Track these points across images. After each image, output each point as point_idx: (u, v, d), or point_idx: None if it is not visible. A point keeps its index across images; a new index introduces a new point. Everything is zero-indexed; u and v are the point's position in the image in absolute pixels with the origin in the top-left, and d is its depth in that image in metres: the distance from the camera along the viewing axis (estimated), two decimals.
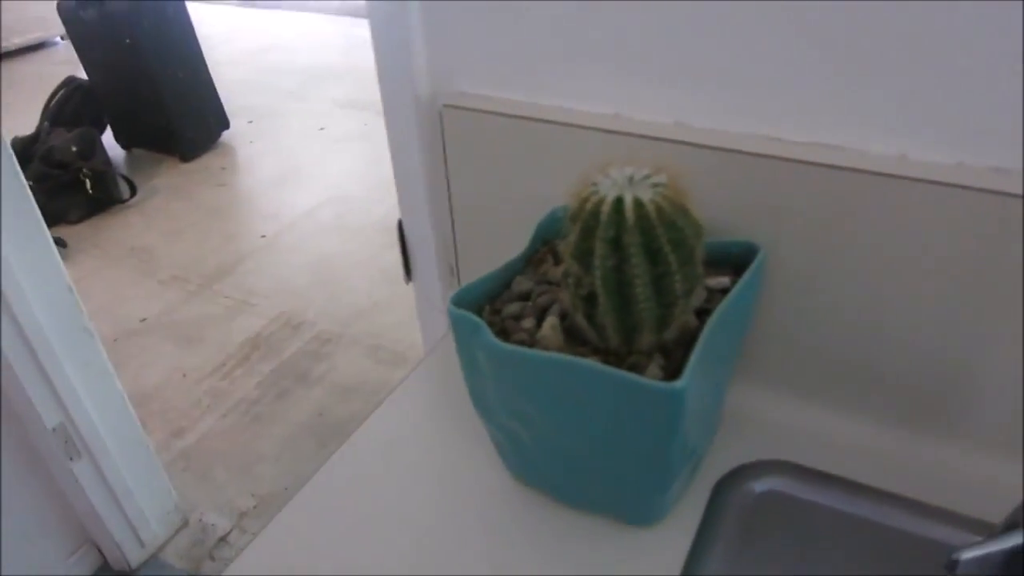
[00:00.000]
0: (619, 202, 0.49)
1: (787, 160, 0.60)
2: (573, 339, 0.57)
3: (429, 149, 0.77)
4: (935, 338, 0.62)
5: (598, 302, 0.51)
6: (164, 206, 3.23)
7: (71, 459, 1.65)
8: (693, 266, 0.51)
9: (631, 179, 0.50)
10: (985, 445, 0.64)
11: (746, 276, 0.58)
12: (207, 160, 3.58)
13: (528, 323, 0.58)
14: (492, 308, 0.61)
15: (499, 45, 0.70)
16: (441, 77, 0.74)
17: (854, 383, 0.67)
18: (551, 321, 0.56)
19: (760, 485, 0.64)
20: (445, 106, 0.73)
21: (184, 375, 2.34)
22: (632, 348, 0.54)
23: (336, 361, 2.37)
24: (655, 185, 0.50)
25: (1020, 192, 0.54)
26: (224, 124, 3.68)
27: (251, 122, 3.94)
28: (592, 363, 0.50)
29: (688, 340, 0.54)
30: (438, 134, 0.75)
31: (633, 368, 0.53)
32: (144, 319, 2.57)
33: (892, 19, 0.55)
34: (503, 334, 0.57)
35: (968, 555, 0.48)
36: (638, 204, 0.48)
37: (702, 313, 0.57)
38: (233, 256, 2.91)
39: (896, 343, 0.64)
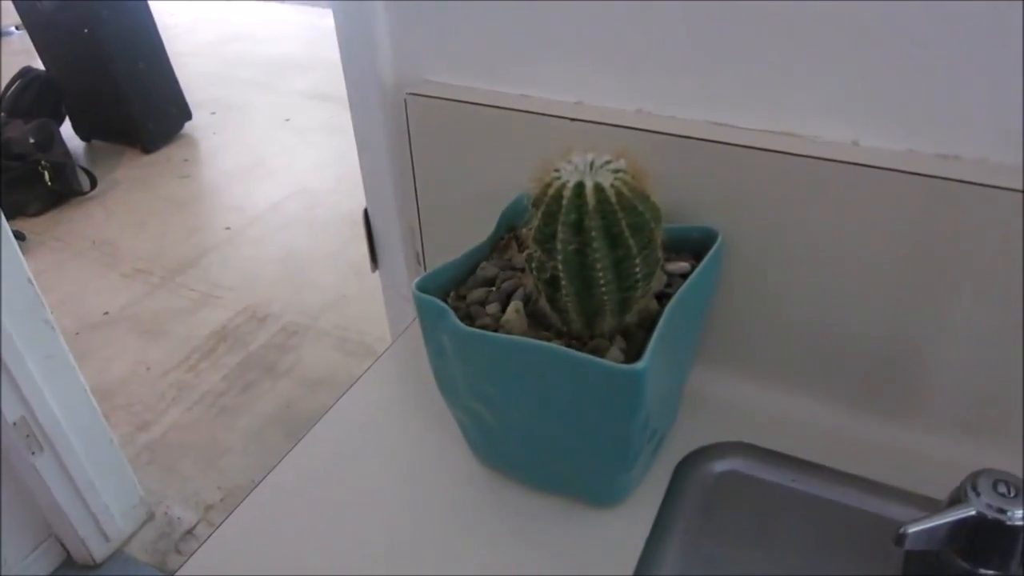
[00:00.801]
0: (580, 187, 0.50)
1: (743, 147, 0.62)
2: (537, 323, 0.58)
3: (394, 137, 0.77)
4: (887, 322, 0.64)
5: (560, 286, 0.52)
6: (126, 198, 3.18)
7: (33, 453, 1.63)
8: (653, 250, 0.52)
9: (592, 165, 0.51)
10: (935, 425, 0.66)
11: (705, 261, 0.60)
12: (169, 152, 3.53)
13: (493, 308, 0.59)
14: (457, 294, 0.61)
15: (463, 33, 0.70)
16: (405, 66, 0.75)
17: (810, 366, 0.69)
18: (515, 305, 0.57)
19: (720, 465, 0.66)
20: (409, 94, 0.73)
21: (148, 368, 2.31)
22: (594, 332, 0.56)
23: (303, 353, 2.36)
24: (615, 171, 0.51)
25: (965, 178, 0.56)
26: (187, 115, 3.63)
27: (214, 113, 3.89)
28: (554, 346, 0.51)
29: (649, 323, 0.56)
30: (403, 122, 0.75)
31: (595, 351, 0.54)
32: (107, 312, 2.53)
33: (843, 7, 0.56)
34: (468, 319, 0.58)
35: (914, 529, 0.50)
36: (599, 189, 0.49)
37: (662, 297, 0.59)
38: (197, 249, 2.88)
39: (850, 326, 0.66)
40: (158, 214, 3.08)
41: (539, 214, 0.51)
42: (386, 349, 0.82)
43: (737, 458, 0.66)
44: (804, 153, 0.61)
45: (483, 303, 0.59)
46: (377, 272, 0.92)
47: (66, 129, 3.41)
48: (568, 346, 0.54)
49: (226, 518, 0.65)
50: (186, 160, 3.50)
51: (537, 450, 0.60)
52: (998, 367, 0.62)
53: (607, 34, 0.65)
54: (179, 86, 3.54)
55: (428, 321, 0.58)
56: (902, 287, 0.62)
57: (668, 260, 0.63)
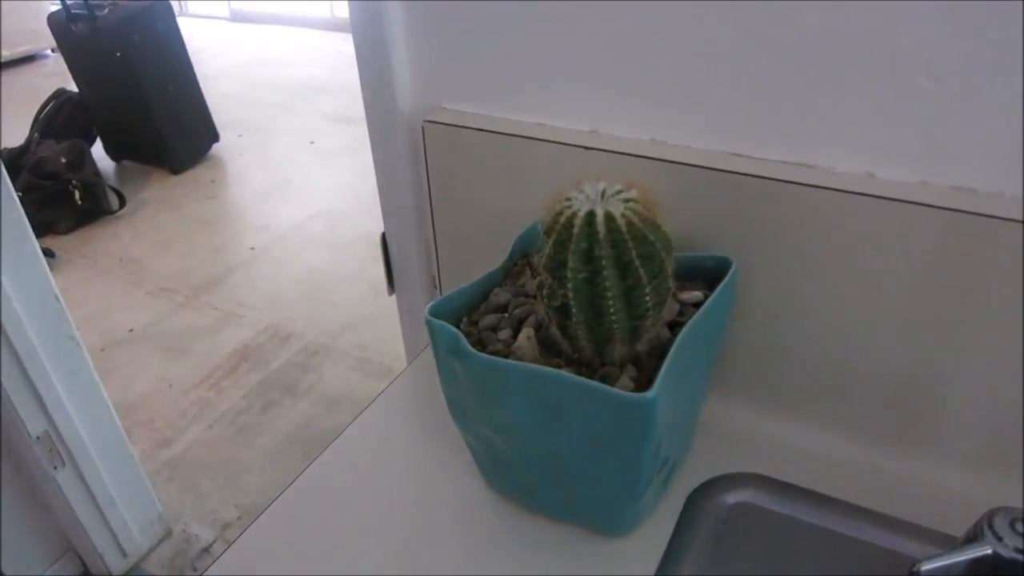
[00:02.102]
0: (591, 216, 0.50)
1: (758, 177, 0.62)
2: (548, 350, 0.58)
3: (411, 163, 0.78)
4: (903, 354, 0.64)
5: (571, 313, 0.52)
6: (153, 217, 3.24)
7: (55, 468, 1.65)
8: (663, 279, 0.52)
9: (603, 194, 0.52)
10: (953, 460, 0.65)
11: (718, 290, 0.60)
12: (197, 173, 3.59)
13: (504, 334, 0.59)
14: (470, 319, 0.62)
15: (480, 62, 0.71)
16: (423, 93, 0.76)
17: (826, 397, 0.69)
18: (526, 332, 0.57)
19: (732, 497, 0.65)
20: (426, 121, 0.74)
21: (171, 385, 2.34)
22: (604, 359, 0.56)
23: (323, 373, 2.38)
24: (627, 200, 0.51)
25: (978, 210, 0.56)
26: (214, 137, 3.69)
27: (241, 135, 3.95)
28: (564, 373, 0.51)
29: (660, 352, 0.55)
30: (420, 149, 0.76)
31: (605, 379, 0.54)
32: (132, 329, 2.56)
33: (859, 40, 0.56)
34: (479, 345, 0.58)
35: (929, 566, 0.49)
36: (609, 218, 0.50)
37: (675, 326, 0.59)
38: (222, 268, 2.92)
39: (865, 358, 0.65)
40: (184, 233, 3.13)
41: (550, 242, 0.52)
42: (401, 372, 0.83)
43: (750, 490, 0.65)
44: (819, 184, 0.61)
45: (495, 329, 0.60)
46: (394, 295, 0.93)
47: (97, 150, 3.49)
48: (579, 373, 0.54)
49: (239, 535, 0.65)
50: (213, 181, 3.56)
51: (547, 477, 0.60)
52: (1015, 402, 0.61)
53: (622, 64, 0.65)
54: (207, 108, 3.60)
55: (440, 346, 0.58)
56: (917, 320, 0.62)
57: (681, 289, 0.63)
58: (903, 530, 0.61)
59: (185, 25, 3.58)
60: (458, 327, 0.61)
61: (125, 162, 3.60)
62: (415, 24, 0.72)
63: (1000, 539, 0.50)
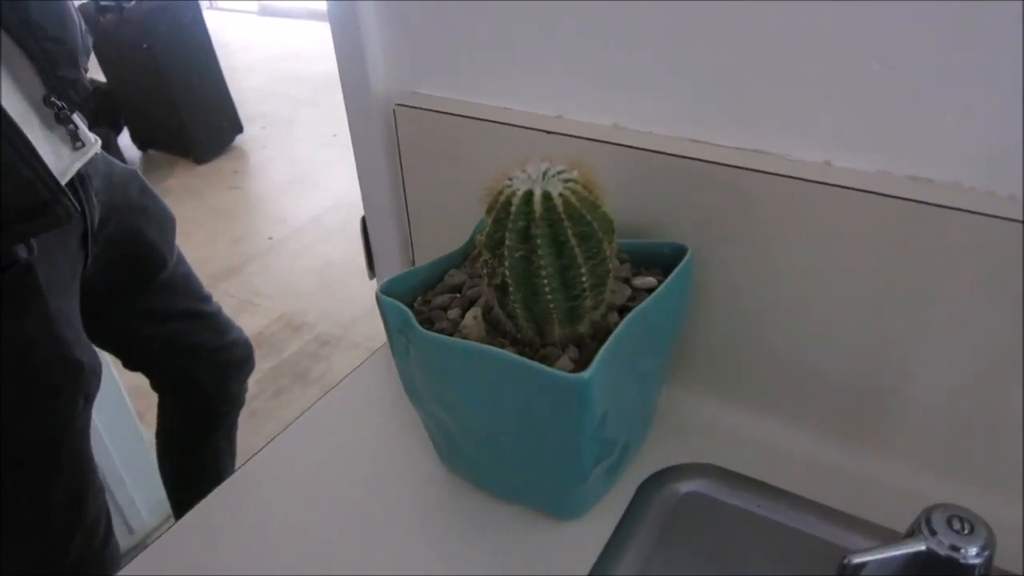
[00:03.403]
0: (529, 195, 0.50)
1: (716, 164, 0.62)
2: (496, 331, 0.58)
3: (385, 148, 0.79)
4: (860, 347, 0.63)
5: (508, 291, 0.53)
6: (176, 206, 3.25)
7: None
8: (601, 261, 0.52)
9: (545, 174, 0.52)
10: (907, 456, 0.64)
11: (671, 276, 0.59)
12: (220, 163, 3.65)
13: (454, 313, 0.59)
14: (424, 299, 0.62)
15: (450, 48, 0.72)
16: (396, 78, 0.76)
17: (782, 389, 0.68)
18: (473, 311, 0.58)
19: (685, 486, 0.65)
20: (397, 105, 0.75)
21: None
22: (545, 340, 0.56)
23: (334, 362, 2.40)
24: (566, 180, 0.51)
25: (935, 201, 0.55)
26: (238, 128, 3.74)
27: (264, 128, 4.00)
28: (502, 352, 0.52)
29: (605, 335, 0.55)
30: (393, 133, 0.77)
31: (544, 359, 0.54)
32: None
33: (816, 28, 0.56)
34: (428, 323, 0.59)
35: (858, 559, 0.48)
36: (546, 197, 0.50)
37: (626, 311, 0.59)
38: (240, 257, 2.96)
39: (823, 350, 0.65)
40: (205, 222, 3.18)
41: (490, 220, 0.52)
42: (373, 352, 0.84)
43: (703, 480, 0.65)
44: (775, 171, 0.60)
45: (446, 308, 0.60)
46: (374, 280, 0.94)
47: (124, 139, 3.56)
48: (521, 354, 0.54)
49: (189, 511, 0.66)
50: (235, 171, 3.61)
51: (492, 456, 0.61)
52: (970, 399, 0.60)
53: (586, 50, 0.65)
54: (232, 100, 3.66)
55: (390, 323, 0.59)
56: (874, 312, 0.61)
57: (637, 275, 0.63)
58: (850, 525, 0.60)
59: (214, 18, 3.64)
60: (412, 306, 0.62)
61: (151, 151, 3.67)
62: (387, 10, 0.73)
63: (936, 535, 0.49)
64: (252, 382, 2.35)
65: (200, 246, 3.02)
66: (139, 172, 1.18)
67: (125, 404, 1.73)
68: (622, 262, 0.64)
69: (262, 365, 2.42)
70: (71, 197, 0.85)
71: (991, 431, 0.60)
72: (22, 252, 0.86)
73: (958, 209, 0.55)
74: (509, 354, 0.51)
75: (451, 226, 0.78)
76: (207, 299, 1.32)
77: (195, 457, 1.48)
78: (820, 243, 0.61)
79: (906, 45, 0.54)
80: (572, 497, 0.61)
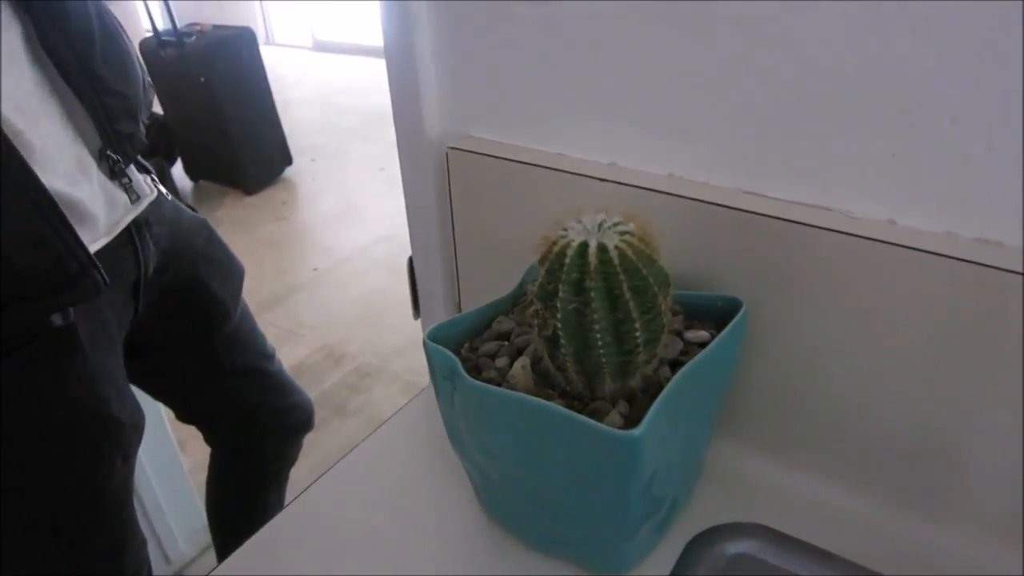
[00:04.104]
0: (584, 246, 0.50)
1: (774, 218, 0.60)
2: (544, 382, 0.57)
3: (436, 189, 0.79)
4: (923, 411, 0.60)
5: (560, 344, 0.52)
6: (226, 237, 3.32)
7: None
8: (656, 316, 0.51)
9: (600, 225, 0.51)
10: (969, 527, 0.61)
11: (725, 331, 0.58)
12: (269, 194, 3.72)
13: (502, 362, 0.59)
14: (471, 345, 0.62)
15: (505, 92, 0.72)
16: (450, 120, 0.77)
17: (837, 450, 0.66)
18: (522, 361, 0.57)
19: (733, 547, 0.63)
20: (450, 148, 0.75)
21: None
22: (595, 393, 0.55)
23: (374, 395, 2.41)
24: (623, 233, 0.50)
25: (1004, 265, 0.53)
26: (288, 160, 3.82)
27: (314, 160, 4.08)
28: (551, 405, 0.51)
29: (657, 390, 0.54)
30: (445, 175, 0.77)
31: (594, 413, 0.53)
32: None
33: (886, 82, 0.55)
34: (476, 371, 0.58)
35: None
36: (602, 249, 0.49)
37: (678, 365, 0.57)
38: (286, 287, 3.00)
39: (882, 413, 0.62)
40: (253, 253, 3.23)
41: (543, 271, 0.52)
42: (418, 393, 0.83)
43: (753, 541, 0.63)
44: (837, 228, 0.58)
45: (493, 356, 0.60)
46: (419, 320, 0.93)
47: (177, 169, 3.65)
48: (569, 407, 0.53)
49: (233, 552, 0.66)
50: (284, 203, 3.68)
51: (536, 509, 0.59)
52: None
53: (642, 99, 0.65)
54: (283, 133, 3.74)
55: (436, 370, 0.58)
56: (936, 376, 0.58)
57: (689, 328, 0.62)
58: None
59: (269, 54, 3.74)
60: (459, 352, 0.61)
61: (202, 182, 3.76)
62: (443, 53, 0.73)
63: None
64: None
65: (247, 276, 3.06)
66: (209, 222, 1.16)
67: (167, 433, 1.75)
68: (675, 314, 0.63)
69: None
70: (101, 270, 0.81)
71: None
72: (57, 319, 0.83)
73: None
74: (558, 407, 0.50)
75: (499, 271, 0.78)
76: (271, 357, 1.28)
77: (244, 509, 1.46)
78: (881, 303, 0.59)
79: (980, 105, 0.52)
80: (618, 553, 0.59)
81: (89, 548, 0.99)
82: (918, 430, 0.61)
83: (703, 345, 0.59)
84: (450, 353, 0.56)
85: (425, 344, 0.58)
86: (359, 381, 2.48)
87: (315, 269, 3.10)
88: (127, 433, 0.95)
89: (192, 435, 2.32)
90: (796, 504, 0.66)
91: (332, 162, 4.10)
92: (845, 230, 0.58)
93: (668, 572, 0.61)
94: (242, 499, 1.45)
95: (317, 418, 2.32)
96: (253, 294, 2.88)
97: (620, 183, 0.66)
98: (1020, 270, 0.53)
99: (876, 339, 0.60)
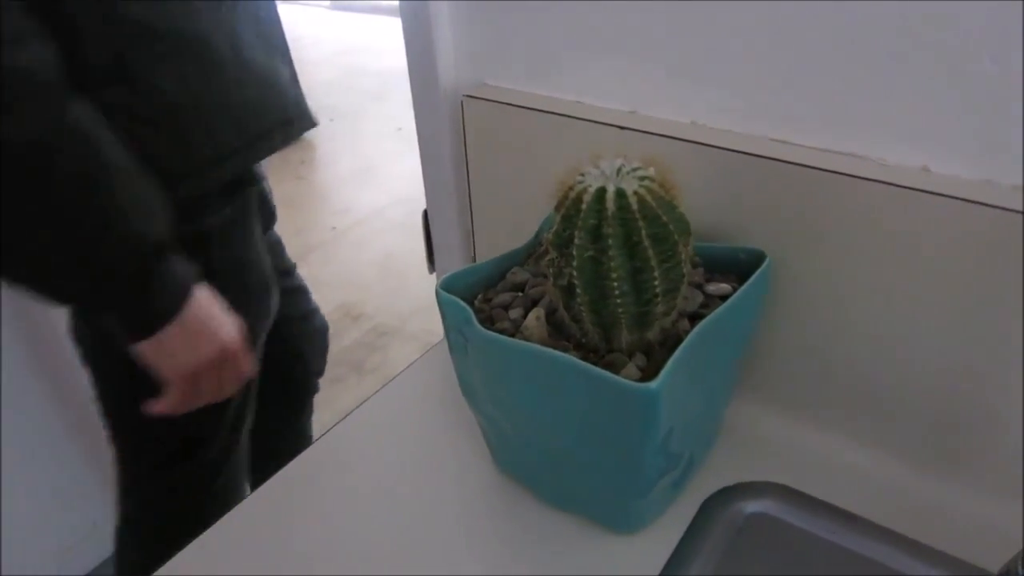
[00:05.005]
0: (602, 192, 0.47)
1: (801, 166, 0.58)
2: (559, 333, 0.56)
3: (452, 139, 0.77)
4: (952, 369, 0.58)
5: (575, 293, 0.50)
6: None
7: None
8: (676, 265, 0.49)
9: (619, 171, 0.49)
10: (993, 488, 0.59)
11: (747, 284, 0.56)
12: (287, 154, 3.70)
13: (515, 313, 0.57)
14: (485, 296, 0.60)
15: (521, 39, 0.70)
16: (466, 69, 0.74)
17: (863, 408, 0.64)
18: (536, 312, 0.55)
19: (751, 506, 0.61)
20: (466, 96, 0.73)
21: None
22: (612, 346, 0.53)
23: (390, 354, 2.41)
24: (642, 178, 0.48)
25: None
26: None
27: (332, 120, 4.05)
28: (566, 356, 0.49)
29: (675, 343, 0.52)
30: (460, 125, 0.75)
31: (609, 366, 0.51)
32: None
33: (920, 20, 0.52)
34: (489, 322, 0.57)
35: None
36: (620, 194, 0.47)
37: (698, 318, 0.55)
38: (303, 246, 3.00)
39: (909, 370, 0.60)
40: None
41: (558, 218, 0.50)
42: (432, 347, 0.82)
43: (771, 500, 0.61)
44: (868, 176, 0.56)
45: (507, 307, 0.58)
46: (435, 275, 0.92)
47: None
48: (584, 359, 0.52)
49: (247, 497, 0.66)
50: (302, 162, 3.66)
51: (549, 464, 0.58)
52: None
53: (663, 43, 0.62)
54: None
55: (449, 321, 0.57)
56: (971, 333, 0.56)
57: (710, 280, 0.60)
58: (930, 558, 0.56)
59: (286, 12, 3.69)
60: (473, 303, 0.60)
61: None
62: (459, 2, 0.71)
63: None
64: None
65: None
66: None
67: None
68: (695, 266, 0.61)
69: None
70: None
71: None
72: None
73: None
74: (573, 359, 0.49)
75: (515, 222, 0.76)
76: (293, 270, 1.31)
77: (282, 441, 1.49)
78: (913, 255, 0.56)
79: (1016, 36, 0.49)
80: (632, 511, 0.58)
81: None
82: (946, 387, 0.59)
83: (724, 299, 0.56)
84: (463, 303, 0.55)
85: (438, 294, 0.56)
86: (376, 340, 2.48)
87: (333, 228, 3.09)
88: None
89: None
90: (817, 464, 0.64)
91: (350, 122, 4.07)
92: (878, 178, 0.56)
93: (682, 528, 0.60)
94: (278, 427, 1.47)
95: (333, 375, 2.33)
96: None
97: (641, 131, 0.64)
98: None
99: (907, 292, 0.58)
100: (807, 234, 0.60)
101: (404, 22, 0.74)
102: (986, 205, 0.52)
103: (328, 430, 0.73)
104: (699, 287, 0.58)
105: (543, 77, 0.70)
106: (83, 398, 1.49)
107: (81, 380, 1.10)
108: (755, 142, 0.61)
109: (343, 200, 3.33)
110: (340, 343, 2.48)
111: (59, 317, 1.17)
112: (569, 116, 0.67)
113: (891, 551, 0.57)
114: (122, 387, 0.89)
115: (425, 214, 0.87)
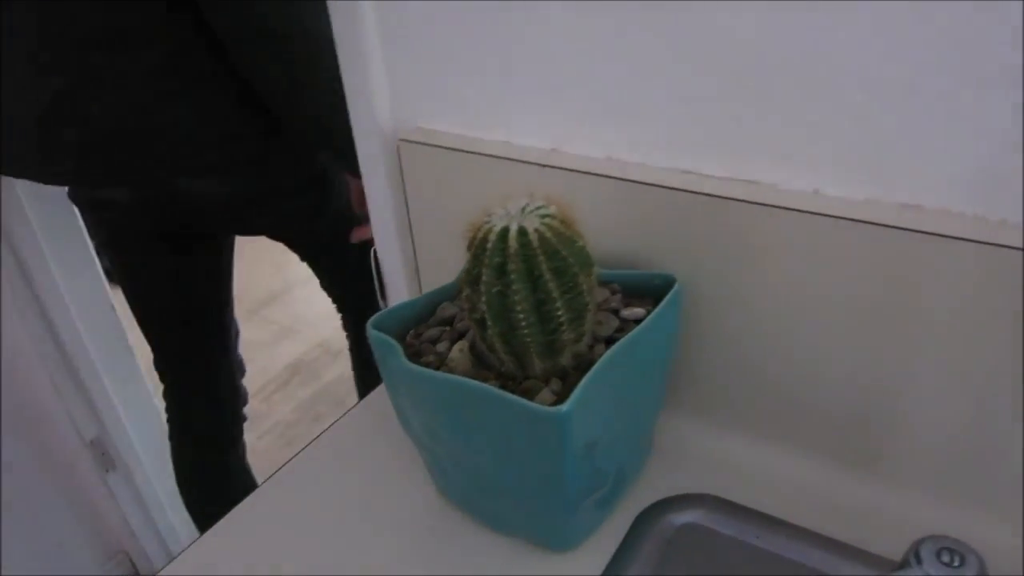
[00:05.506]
0: (505, 231, 0.51)
1: (706, 195, 0.62)
2: (482, 363, 0.59)
3: (392, 181, 0.81)
4: (855, 375, 0.62)
5: (487, 326, 0.53)
6: None
7: (106, 471, 1.74)
8: (578, 294, 0.53)
9: (524, 210, 0.53)
10: (903, 484, 0.63)
11: (658, 308, 0.59)
12: None
13: (442, 346, 0.60)
14: (416, 331, 0.63)
15: (450, 82, 0.74)
16: (401, 112, 0.78)
17: (778, 417, 0.67)
18: (460, 344, 0.59)
19: (681, 517, 0.64)
20: (401, 140, 0.76)
21: None
22: (527, 373, 0.56)
23: None
24: (543, 216, 0.52)
25: (925, 228, 0.54)
26: None
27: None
28: (479, 384, 0.52)
29: (590, 368, 0.56)
30: (398, 167, 0.79)
31: (526, 392, 0.54)
32: None
33: (802, 58, 0.56)
34: (417, 355, 0.60)
35: None
36: (522, 233, 0.51)
37: (613, 342, 0.59)
38: (285, 283, 3.03)
39: (817, 379, 0.64)
40: (255, 247, 3.24)
41: (469, 256, 0.53)
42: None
43: (700, 510, 0.64)
44: (765, 202, 0.60)
45: (435, 342, 0.61)
46: None
47: None
48: (504, 387, 0.55)
49: (194, 541, 0.68)
50: None
51: (482, 488, 0.61)
52: (965, 426, 0.58)
53: (580, 85, 0.66)
54: None
55: (379, 356, 0.60)
56: (867, 340, 0.60)
57: (628, 305, 0.63)
58: (850, 555, 0.59)
59: None
60: (405, 339, 0.63)
61: None
62: (390, 45, 0.75)
63: (924, 568, 0.48)
64: (290, 409, 2.40)
65: (246, 272, 3.07)
66: None
67: (164, 429, 1.78)
68: (613, 293, 0.64)
69: (301, 392, 2.47)
70: None
71: (987, 458, 0.59)
72: None
73: (947, 236, 0.54)
74: (486, 386, 0.52)
75: (455, 259, 0.79)
76: None
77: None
78: (810, 272, 0.60)
79: (883, 67, 0.53)
80: (564, 529, 0.61)
81: None
82: (856, 394, 0.62)
83: (639, 322, 0.60)
84: (389, 339, 0.58)
85: (367, 331, 0.59)
86: None
87: None
88: None
89: None
90: (746, 473, 0.67)
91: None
92: (772, 203, 0.60)
93: (615, 543, 0.63)
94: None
95: (315, 412, 2.34)
96: (250, 291, 2.92)
97: (560, 168, 0.68)
98: (940, 232, 0.54)
99: (807, 308, 0.61)
100: (715, 257, 0.64)
101: (343, 68, 0.78)
102: (871, 223, 0.56)
103: (285, 463, 0.76)
104: (615, 312, 0.62)
105: (473, 119, 0.74)
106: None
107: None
108: (665, 174, 0.65)
109: None
110: (321, 380, 2.50)
111: None
112: (496, 156, 0.71)
113: (812, 551, 0.60)
114: None
115: (374, 252, 0.91)
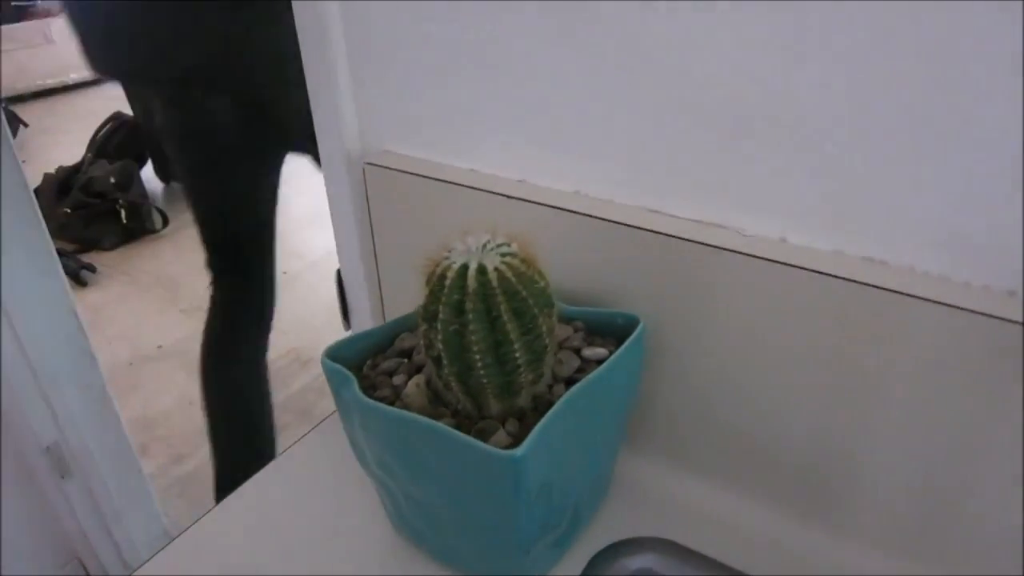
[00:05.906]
0: (464, 269, 0.50)
1: (672, 237, 0.61)
2: (439, 400, 0.58)
3: (356, 204, 0.80)
4: (814, 426, 0.61)
5: (443, 364, 0.52)
6: (194, 237, 3.32)
7: (62, 477, 1.70)
8: (538, 336, 0.52)
9: (484, 246, 0.52)
10: (859, 539, 0.62)
11: (620, 350, 0.59)
12: None
13: (398, 379, 0.59)
14: (373, 362, 0.62)
15: (419, 108, 0.73)
16: (368, 137, 0.77)
17: (735, 463, 0.67)
18: (417, 379, 0.58)
19: (635, 562, 0.63)
20: (367, 164, 0.75)
21: (191, 403, 2.39)
22: (483, 413, 0.55)
23: None
24: (504, 255, 0.51)
25: (888, 286, 0.54)
26: None
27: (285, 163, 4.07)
28: (434, 423, 0.51)
29: (548, 409, 0.55)
30: (363, 191, 0.78)
31: (481, 432, 0.53)
32: (161, 346, 2.64)
33: (774, 108, 0.56)
34: (372, 388, 0.59)
35: None
36: (481, 271, 0.50)
37: (573, 382, 0.58)
38: None
39: (776, 428, 0.63)
40: None
41: (427, 292, 0.52)
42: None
43: (655, 555, 0.64)
44: (731, 248, 0.59)
45: (391, 374, 0.60)
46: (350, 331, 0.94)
47: (148, 171, 3.63)
48: (459, 425, 0.54)
49: (147, 559, 0.66)
50: None
51: (435, 524, 0.60)
52: (920, 482, 0.58)
53: (550, 116, 0.66)
54: None
55: (333, 387, 0.59)
56: (827, 393, 0.59)
57: (590, 344, 0.62)
58: None
59: None
60: (361, 369, 0.62)
61: (173, 184, 3.74)
62: (359, 69, 0.74)
63: None
64: None
65: None
66: None
67: (124, 436, 1.75)
68: (576, 330, 0.63)
69: None
70: None
71: (939, 517, 0.58)
72: None
73: (910, 295, 0.53)
74: (441, 426, 0.51)
75: (418, 285, 0.78)
76: None
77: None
78: (773, 321, 0.60)
79: (863, 124, 0.53)
80: (519, 568, 0.60)
81: None
82: (814, 444, 0.62)
83: (600, 362, 0.59)
84: (344, 370, 0.57)
85: (322, 362, 0.58)
86: (325, 385, 2.47)
87: (284, 272, 3.09)
88: None
89: (156, 439, 2.31)
90: (702, 518, 0.67)
91: (302, 165, 4.09)
92: (738, 249, 0.59)
93: None
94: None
95: (281, 422, 2.31)
96: None
97: (527, 200, 0.67)
98: (905, 291, 0.53)
99: (768, 356, 0.61)
100: (680, 300, 0.63)
101: (311, 90, 0.77)
102: (834, 276, 0.56)
103: (233, 491, 0.74)
104: (577, 351, 0.61)
105: (440, 145, 0.74)
106: None
107: None
108: (633, 212, 0.64)
109: (296, 244, 3.33)
110: (289, 388, 2.47)
111: None
112: (462, 185, 0.70)
113: None
114: None
115: (338, 273, 0.89)
